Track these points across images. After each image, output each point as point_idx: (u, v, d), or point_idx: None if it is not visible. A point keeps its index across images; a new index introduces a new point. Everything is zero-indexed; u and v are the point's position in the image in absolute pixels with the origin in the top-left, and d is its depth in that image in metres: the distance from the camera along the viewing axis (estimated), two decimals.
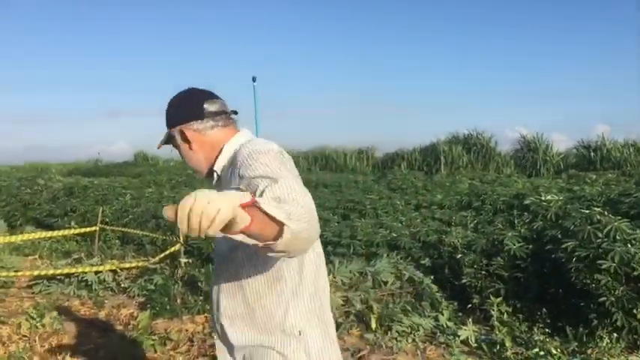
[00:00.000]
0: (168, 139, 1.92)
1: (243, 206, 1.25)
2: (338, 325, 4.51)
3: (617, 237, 4.27)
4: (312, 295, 1.77)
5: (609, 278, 4.11)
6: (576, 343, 4.11)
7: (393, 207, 8.18)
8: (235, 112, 1.92)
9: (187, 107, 1.85)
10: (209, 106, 1.84)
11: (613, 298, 4.07)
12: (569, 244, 4.43)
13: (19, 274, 5.93)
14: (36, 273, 5.92)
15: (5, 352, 4.15)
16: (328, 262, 5.29)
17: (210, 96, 1.87)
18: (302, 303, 1.74)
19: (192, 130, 1.83)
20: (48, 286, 5.83)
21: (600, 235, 4.34)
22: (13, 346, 4.29)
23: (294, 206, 1.41)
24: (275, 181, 1.52)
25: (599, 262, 4.14)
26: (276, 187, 1.49)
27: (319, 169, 21.34)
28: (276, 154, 1.67)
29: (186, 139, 1.84)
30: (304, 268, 1.75)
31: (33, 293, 5.74)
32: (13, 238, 6.85)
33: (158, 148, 1.99)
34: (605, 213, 4.69)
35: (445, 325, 4.52)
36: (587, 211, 4.78)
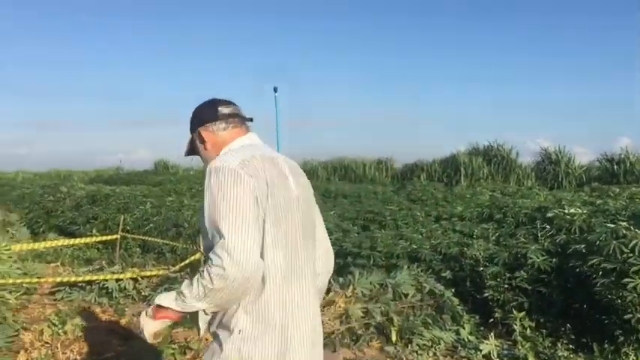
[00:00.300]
0: (191, 147, 2.13)
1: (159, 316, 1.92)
2: (357, 337, 4.48)
3: None
4: (270, 303, 1.86)
5: (635, 294, 4.03)
6: None
7: (413, 218, 8.14)
8: (251, 120, 2.13)
9: (205, 112, 2.09)
10: (223, 109, 2.07)
11: (639, 315, 3.98)
12: (594, 259, 4.36)
13: (42, 280, 5.99)
14: (58, 280, 5.98)
15: (28, 359, 4.19)
16: (348, 272, 5.28)
17: (225, 101, 2.11)
18: (255, 308, 1.85)
19: (207, 131, 2.06)
20: (70, 294, 5.87)
21: (626, 250, 4.27)
22: (35, 352, 4.32)
23: (213, 272, 1.74)
24: (211, 224, 1.81)
25: (625, 279, 4.07)
26: (215, 232, 1.80)
27: (338, 179, 21.34)
28: (220, 179, 1.83)
29: (202, 140, 2.07)
30: (266, 277, 1.85)
31: (55, 300, 5.79)
32: (36, 246, 6.93)
33: (185, 156, 2.20)
34: (631, 227, 4.60)
35: (466, 339, 4.46)
36: (613, 226, 4.70)
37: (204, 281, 1.76)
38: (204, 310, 1.86)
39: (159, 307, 1.91)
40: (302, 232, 1.98)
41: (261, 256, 1.83)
